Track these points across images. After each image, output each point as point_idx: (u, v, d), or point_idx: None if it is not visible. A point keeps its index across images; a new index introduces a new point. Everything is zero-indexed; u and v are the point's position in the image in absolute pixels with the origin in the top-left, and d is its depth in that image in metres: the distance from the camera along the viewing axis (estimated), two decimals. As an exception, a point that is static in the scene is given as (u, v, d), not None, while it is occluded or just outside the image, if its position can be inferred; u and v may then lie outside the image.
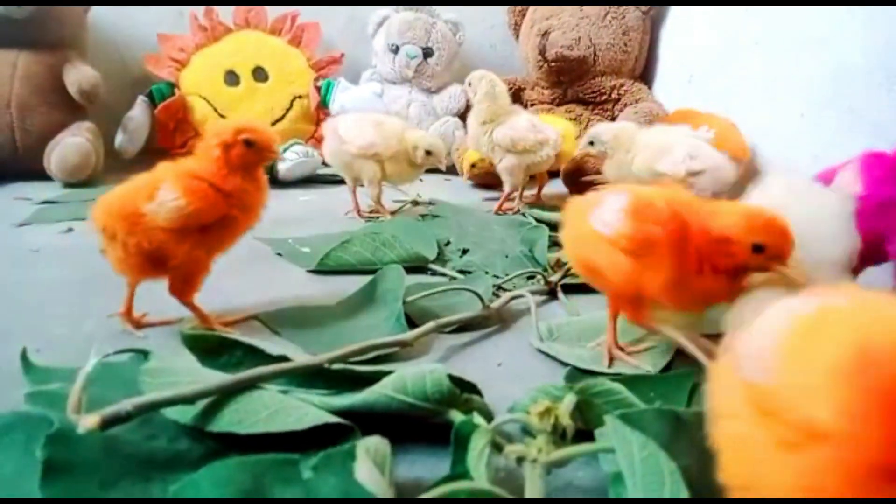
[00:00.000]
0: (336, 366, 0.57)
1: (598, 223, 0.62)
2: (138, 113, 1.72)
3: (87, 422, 0.44)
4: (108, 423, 0.45)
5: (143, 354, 0.57)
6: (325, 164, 1.72)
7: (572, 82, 1.78)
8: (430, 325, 0.70)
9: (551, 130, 1.29)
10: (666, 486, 0.40)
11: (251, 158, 0.72)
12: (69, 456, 0.44)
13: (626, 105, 1.73)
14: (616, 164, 1.10)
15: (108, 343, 0.63)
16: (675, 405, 0.54)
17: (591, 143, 1.11)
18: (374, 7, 1.88)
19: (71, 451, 0.44)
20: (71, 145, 1.48)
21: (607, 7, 1.77)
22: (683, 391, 0.58)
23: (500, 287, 0.88)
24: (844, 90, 1.10)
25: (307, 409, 0.51)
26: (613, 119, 1.70)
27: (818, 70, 1.17)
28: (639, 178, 1.03)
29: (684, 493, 0.39)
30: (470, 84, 1.28)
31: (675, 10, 1.77)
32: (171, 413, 0.49)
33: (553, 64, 1.73)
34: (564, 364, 0.67)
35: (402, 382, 0.52)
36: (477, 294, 0.78)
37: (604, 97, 1.77)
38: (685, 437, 0.46)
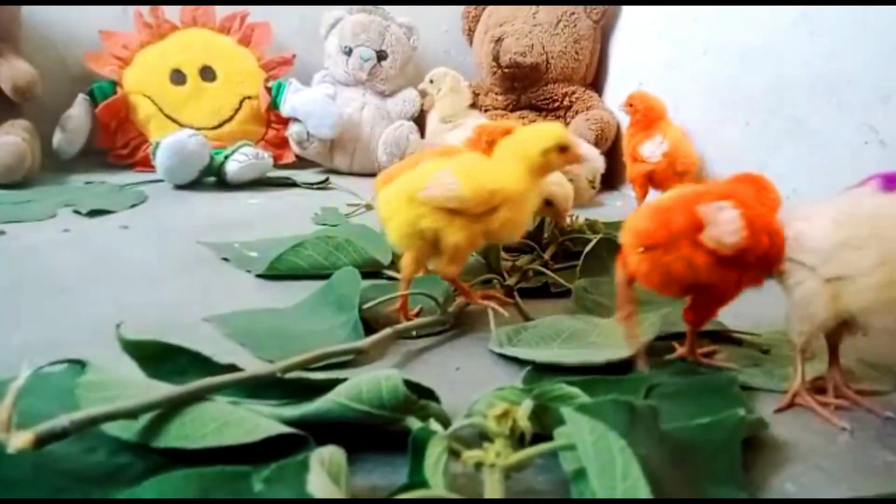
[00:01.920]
0: (289, 374, 0.55)
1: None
2: (78, 112, 1.65)
3: (19, 440, 0.41)
4: (42, 440, 0.42)
5: (81, 365, 0.54)
6: (275, 166, 1.69)
7: (525, 89, 1.79)
8: (387, 331, 0.68)
9: None
10: (617, 463, 0.40)
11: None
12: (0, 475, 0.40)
13: (577, 112, 1.75)
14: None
15: (41, 354, 0.59)
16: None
17: (431, 81, 1.14)
18: (327, 7, 1.85)
19: (3, 470, 0.41)
20: (4, 145, 1.41)
21: (559, 15, 1.79)
22: (640, 393, 0.58)
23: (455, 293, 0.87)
24: (788, 99, 1.14)
25: (258, 421, 0.49)
26: (566, 125, 1.72)
27: (763, 80, 1.21)
28: None
29: (635, 468, 0.39)
30: (432, 81, 1.26)
31: (624, 20, 1.81)
32: (112, 428, 0.46)
33: (507, 70, 1.74)
34: (523, 365, 0.67)
35: (356, 390, 0.51)
36: (433, 298, 0.77)
37: (556, 104, 1.79)
38: (641, 428, 0.46)
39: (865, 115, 0.99)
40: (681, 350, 0.70)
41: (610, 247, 0.97)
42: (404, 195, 0.71)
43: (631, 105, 1.35)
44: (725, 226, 0.59)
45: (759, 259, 0.61)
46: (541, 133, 0.74)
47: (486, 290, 0.86)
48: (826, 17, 1.07)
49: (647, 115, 1.33)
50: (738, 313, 0.86)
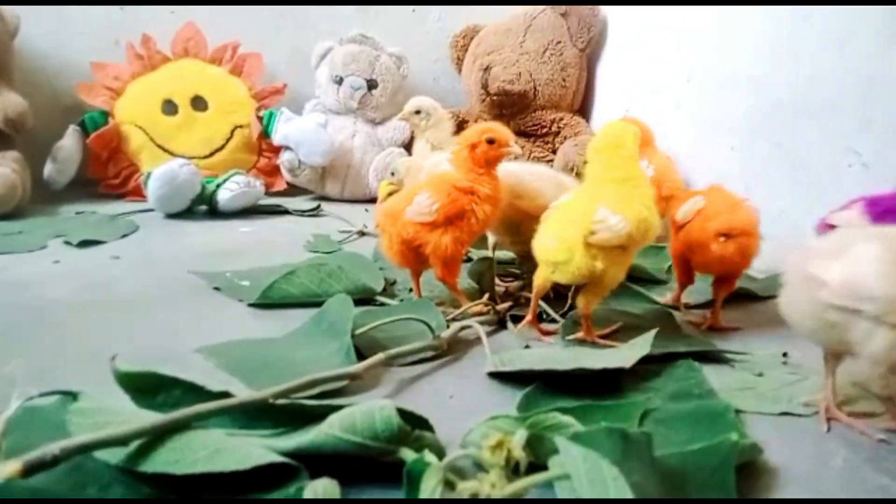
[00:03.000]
0: (282, 401, 0.55)
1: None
2: (69, 142, 1.66)
3: (7, 469, 0.40)
4: (31, 468, 0.41)
5: (72, 396, 0.54)
6: (266, 194, 1.70)
7: (514, 115, 1.82)
8: (380, 356, 0.68)
9: None
10: (611, 492, 0.40)
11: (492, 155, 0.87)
12: (-14, 512, 0.40)
13: (565, 138, 1.77)
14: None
15: (31, 385, 0.59)
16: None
17: (392, 174, 1.17)
18: (318, 38, 1.88)
19: (-11, 508, 0.40)
20: (-6, 176, 1.40)
21: (545, 44, 1.83)
22: (634, 419, 0.59)
23: (449, 319, 0.87)
24: (772, 125, 1.16)
25: (250, 449, 0.48)
26: (554, 151, 1.74)
27: (747, 105, 1.23)
28: None
29: (629, 496, 0.39)
30: (419, 112, 1.27)
31: (609, 48, 1.84)
32: (102, 455, 0.46)
33: (495, 97, 1.77)
34: (517, 391, 0.66)
35: (351, 421, 0.51)
36: (426, 324, 0.77)
37: (545, 130, 1.82)
38: (635, 455, 0.46)
39: (848, 138, 1.01)
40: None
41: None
42: (580, 239, 0.75)
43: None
44: None
45: None
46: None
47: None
48: (808, 42, 1.10)
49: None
50: (725, 335, 0.87)
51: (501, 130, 0.88)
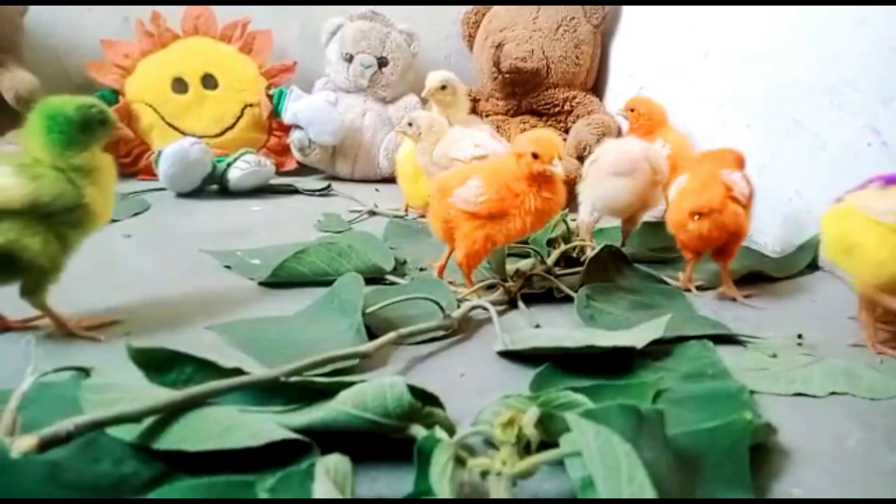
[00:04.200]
0: (294, 379, 0.55)
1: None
2: (80, 121, 1.65)
3: (24, 444, 0.41)
4: (47, 444, 0.42)
5: (85, 372, 0.54)
6: (277, 173, 1.69)
7: (526, 94, 1.79)
8: (391, 335, 0.68)
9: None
10: (622, 468, 0.40)
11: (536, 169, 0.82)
12: (6, 486, 0.40)
13: (578, 116, 1.75)
14: (421, 149, 1.18)
15: (44, 363, 0.59)
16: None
17: (409, 125, 1.18)
18: (328, 15, 1.86)
19: (8, 481, 0.41)
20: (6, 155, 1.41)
21: (559, 20, 1.80)
22: (647, 399, 0.58)
23: (460, 299, 0.87)
24: (788, 102, 1.14)
25: (262, 425, 0.49)
26: (567, 130, 1.72)
27: (763, 82, 1.21)
28: (437, 163, 1.16)
29: (640, 473, 0.39)
30: (445, 87, 1.24)
31: (624, 25, 1.81)
32: (116, 432, 0.46)
33: (507, 75, 1.75)
34: (529, 370, 0.66)
35: (362, 398, 0.51)
36: (437, 303, 0.76)
37: (557, 109, 1.79)
38: (647, 432, 0.45)
39: (867, 116, 0.99)
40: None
41: (613, 253, 0.97)
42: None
43: (632, 110, 1.35)
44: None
45: None
46: None
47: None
48: (826, 19, 1.07)
49: (650, 120, 1.33)
50: (739, 316, 0.86)
51: (547, 143, 0.82)
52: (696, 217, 0.87)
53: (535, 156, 0.81)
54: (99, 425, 0.45)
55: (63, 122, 0.71)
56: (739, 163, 0.98)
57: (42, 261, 0.68)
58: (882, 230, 0.70)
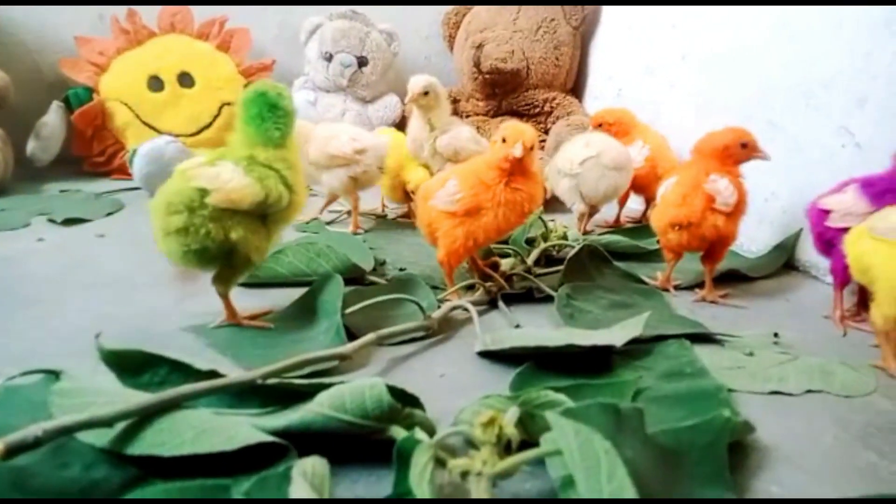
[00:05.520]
0: (271, 381, 0.54)
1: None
2: (53, 119, 1.62)
3: (-11, 451, 0.39)
4: (13, 450, 0.40)
5: (55, 375, 0.53)
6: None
7: (506, 94, 1.80)
8: (370, 336, 0.68)
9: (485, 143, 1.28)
10: (602, 466, 0.39)
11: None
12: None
13: (558, 117, 1.76)
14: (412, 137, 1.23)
15: (13, 365, 0.58)
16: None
17: (426, 93, 1.20)
18: (307, 14, 1.84)
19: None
20: (-25, 152, 1.37)
21: (539, 22, 1.80)
22: (626, 398, 0.58)
23: (440, 299, 0.87)
24: (765, 104, 1.15)
25: (238, 428, 0.48)
26: (547, 131, 1.73)
27: (741, 84, 1.22)
28: (316, 164, 1.20)
29: (621, 471, 0.39)
30: (427, 92, 1.24)
31: (603, 27, 1.82)
32: (86, 437, 0.45)
33: (488, 76, 1.75)
34: (509, 371, 0.66)
35: (340, 399, 0.50)
36: (417, 304, 0.76)
37: (537, 109, 1.80)
38: (627, 430, 0.45)
39: (842, 118, 1.00)
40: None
41: (592, 252, 0.98)
42: None
43: (601, 124, 1.37)
44: None
45: None
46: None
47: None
48: (802, 22, 1.08)
49: (621, 126, 1.35)
50: (715, 315, 0.87)
51: (515, 130, 0.82)
52: (676, 228, 0.90)
53: (504, 141, 0.82)
54: (68, 430, 0.43)
55: (281, 112, 0.74)
56: (737, 147, 0.92)
57: (255, 255, 0.72)
58: (887, 247, 0.68)
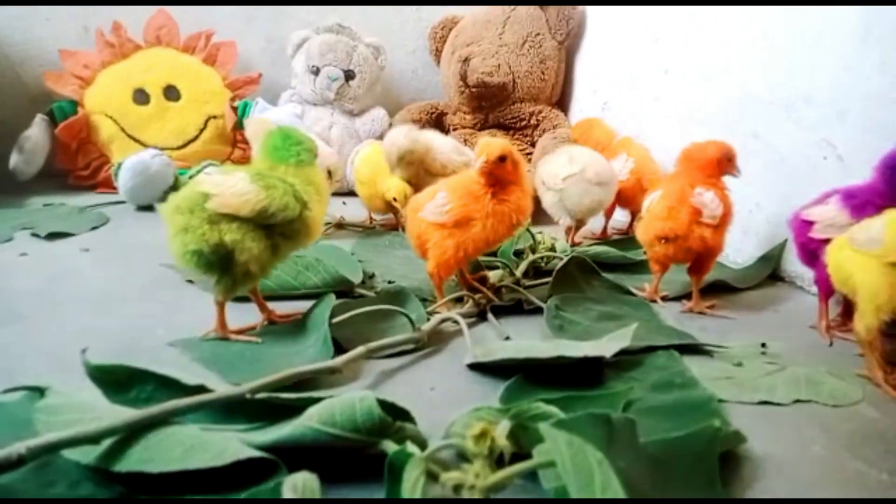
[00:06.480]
0: (260, 395, 0.54)
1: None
2: (36, 132, 1.60)
3: (-29, 470, 0.38)
4: (-4, 470, 0.40)
5: (40, 392, 0.52)
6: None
7: (493, 108, 1.81)
8: (360, 349, 0.67)
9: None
10: (595, 476, 0.39)
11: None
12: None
13: (544, 130, 1.77)
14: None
15: (-3, 380, 0.57)
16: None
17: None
18: (294, 27, 1.85)
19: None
20: (-43, 166, 1.36)
21: (524, 36, 1.82)
22: (617, 409, 0.58)
23: (429, 312, 0.86)
24: (747, 116, 1.17)
25: (227, 444, 0.47)
26: (533, 144, 1.74)
27: (723, 98, 1.24)
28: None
29: (614, 481, 0.39)
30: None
31: (588, 41, 1.84)
32: (72, 454, 0.44)
33: (474, 89, 1.76)
34: (499, 383, 0.66)
35: (330, 413, 0.50)
36: (407, 316, 0.76)
37: (523, 123, 1.81)
38: (619, 441, 0.46)
39: (823, 130, 1.02)
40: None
41: (580, 263, 0.98)
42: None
43: (577, 140, 1.40)
44: None
45: None
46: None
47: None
48: (783, 35, 1.10)
49: (598, 141, 1.37)
50: (703, 326, 0.88)
51: (487, 144, 0.83)
52: (663, 241, 0.91)
53: (502, 158, 0.82)
54: (54, 448, 0.43)
55: (304, 142, 0.78)
56: (723, 160, 0.95)
57: (254, 265, 0.72)
58: (867, 259, 0.69)
